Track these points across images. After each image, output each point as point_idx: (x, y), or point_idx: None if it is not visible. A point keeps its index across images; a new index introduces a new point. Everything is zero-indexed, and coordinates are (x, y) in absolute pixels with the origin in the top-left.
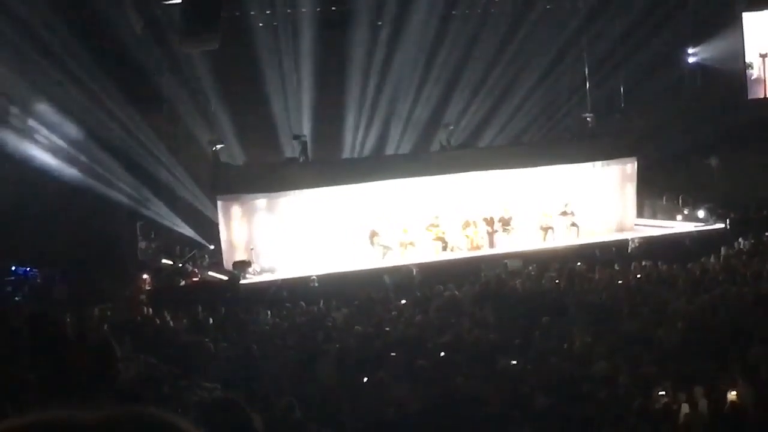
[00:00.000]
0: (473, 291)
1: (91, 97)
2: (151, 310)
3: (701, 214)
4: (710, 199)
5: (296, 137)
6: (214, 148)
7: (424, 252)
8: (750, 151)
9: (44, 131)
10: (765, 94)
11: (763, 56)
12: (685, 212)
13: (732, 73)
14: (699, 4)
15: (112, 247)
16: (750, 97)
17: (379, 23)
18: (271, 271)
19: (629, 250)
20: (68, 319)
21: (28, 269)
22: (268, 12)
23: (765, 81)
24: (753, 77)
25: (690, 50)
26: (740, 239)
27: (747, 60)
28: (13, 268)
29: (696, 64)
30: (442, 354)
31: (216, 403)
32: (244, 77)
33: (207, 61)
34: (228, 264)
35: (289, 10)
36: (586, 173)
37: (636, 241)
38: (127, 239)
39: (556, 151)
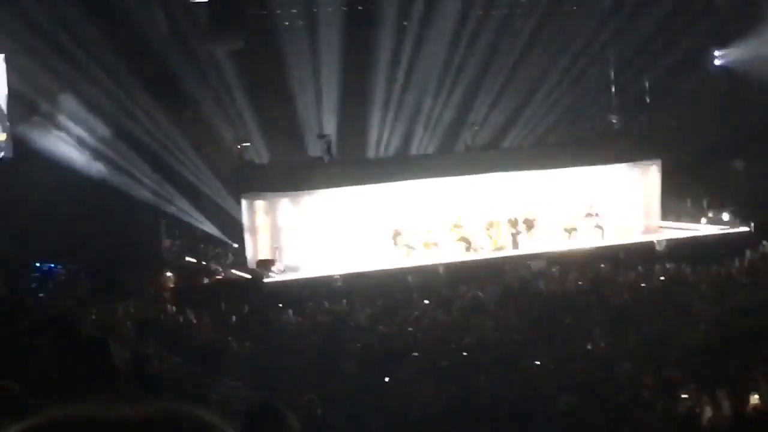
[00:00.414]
0: (496, 292)
1: (117, 95)
2: (174, 308)
3: (726, 217)
4: (735, 202)
5: (321, 136)
6: (239, 147)
7: (447, 252)
8: None
9: (71, 128)
10: None
11: None
12: (710, 215)
13: (759, 76)
14: (726, 6)
15: (136, 244)
16: None
17: (405, 23)
18: (295, 269)
19: (656, 251)
20: (92, 317)
21: (52, 265)
22: (293, 11)
23: None
24: None
25: (716, 52)
26: (765, 242)
27: None
28: (38, 264)
29: (722, 66)
30: (465, 354)
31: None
32: (269, 76)
33: (232, 59)
34: (252, 262)
35: (314, 9)
36: (611, 175)
37: (663, 242)
38: (152, 237)
39: (580, 152)
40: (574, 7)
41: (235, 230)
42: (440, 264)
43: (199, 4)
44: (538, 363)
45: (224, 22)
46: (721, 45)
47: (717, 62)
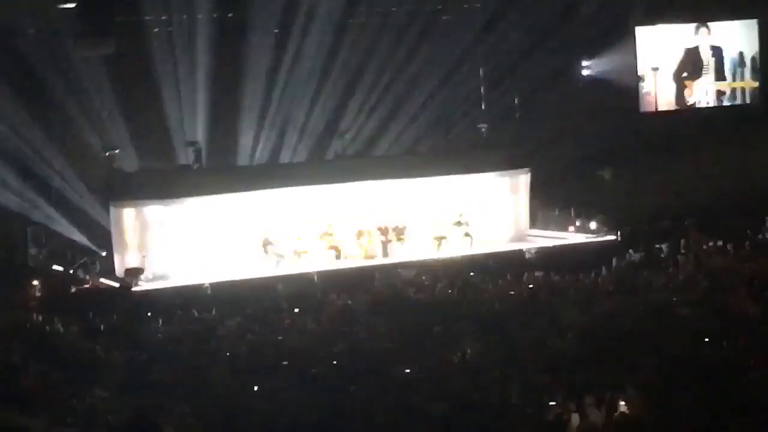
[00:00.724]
0: (367, 300)
1: None
2: (41, 316)
3: (593, 225)
4: (602, 210)
5: (190, 144)
6: (107, 154)
7: (317, 261)
8: (642, 163)
9: None
10: (656, 108)
11: (654, 70)
12: (578, 223)
13: (625, 87)
14: (593, 18)
15: (2, 252)
16: (642, 110)
17: (276, 30)
18: (164, 278)
19: (527, 259)
20: None
21: None
22: (164, 17)
23: (656, 95)
24: (644, 91)
25: (584, 63)
26: (631, 251)
27: (639, 73)
28: None
29: (590, 77)
30: (336, 363)
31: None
32: (139, 82)
33: (102, 65)
34: (120, 271)
35: (185, 16)
36: (481, 183)
37: (533, 251)
38: (17, 244)
39: (450, 161)
40: (445, 17)
41: (104, 238)
42: (314, 272)
43: (67, 9)
44: (409, 371)
45: (93, 27)
46: (588, 56)
47: (584, 73)
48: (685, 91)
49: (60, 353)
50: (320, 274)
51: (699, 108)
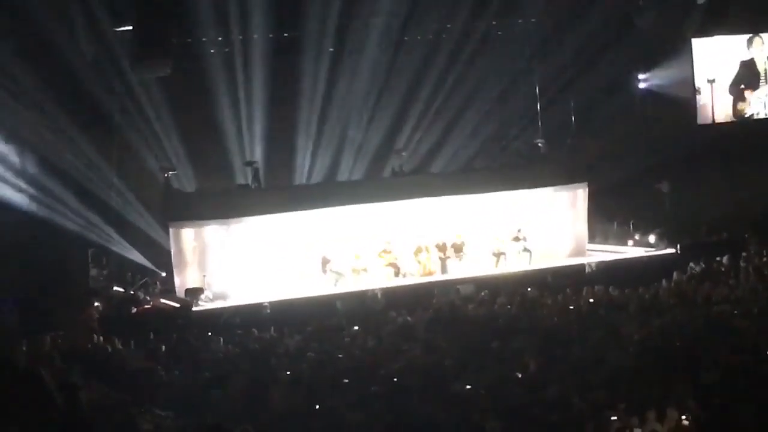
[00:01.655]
0: (426, 316)
1: (42, 123)
2: (102, 337)
3: (652, 239)
4: (661, 223)
5: (248, 163)
6: (165, 175)
7: (376, 278)
8: (700, 175)
9: None
10: (713, 119)
11: (710, 82)
12: (637, 237)
13: (682, 99)
14: (649, 30)
15: (63, 274)
16: (699, 122)
17: (331, 49)
18: (224, 297)
19: (586, 273)
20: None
21: None
22: (220, 38)
23: (713, 106)
24: (701, 103)
25: (641, 76)
26: (691, 264)
27: (696, 85)
28: None
29: (647, 90)
30: (395, 380)
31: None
32: (196, 103)
33: (159, 87)
34: (180, 291)
35: (240, 36)
36: (538, 198)
37: (593, 265)
38: (78, 266)
39: (507, 176)
40: (499, 32)
41: (163, 259)
42: (375, 289)
43: (124, 31)
44: (469, 387)
45: (150, 49)
46: (645, 69)
47: (641, 86)
48: (742, 103)
49: (121, 374)
50: (380, 291)
51: (757, 119)
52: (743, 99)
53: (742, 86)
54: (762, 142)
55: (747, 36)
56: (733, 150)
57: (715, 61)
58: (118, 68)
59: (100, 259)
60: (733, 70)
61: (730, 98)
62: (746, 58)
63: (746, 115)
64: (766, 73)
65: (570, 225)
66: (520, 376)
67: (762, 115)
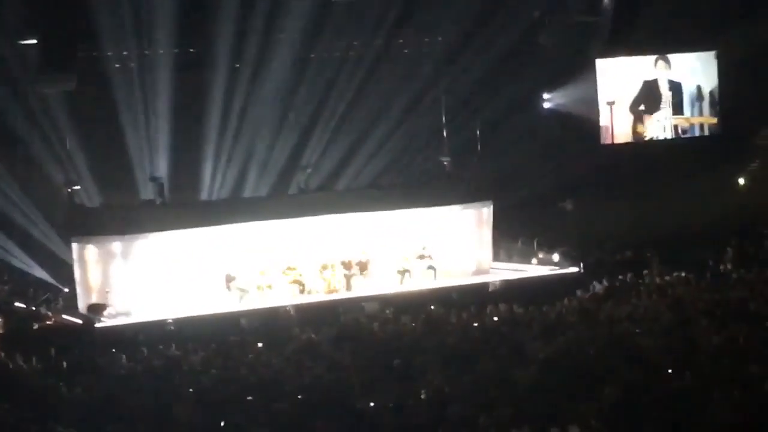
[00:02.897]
0: (331, 334)
1: None
2: (2, 353)
3: (556, 257)
4: (565, 242)
5: (153, 179)
6: (69, 190)
7: (281, 295)
8: (603, 194)
9: None
10: (612, 141)
11: (610, 104)
12: (541, 255)
13: (585, 119)
14: (554, 50)
15: None
16: (602, 142)
17: (237, 65)
18: (127, 314)
19: (490, 291)
20: None
21: None
22: (125, 53)
23: (612, 128)
24: (603, 123)
25: (545, 95)
26: (594, 282)
27: (599, 105)
28: None
29: (551, 109)
30: (300, 397)
31: None
32: (100, 118)
33: (63, 101)
34: (83, 307)
35: (146, 51)
36: (443, 216)
37: (497, 283)
38: None
39: (413, 194)
40: (405, 50)
41: (66, 274)
42: (279, 306)
43: (28, 44)
44: (373, 405)
45: (54, 62)
46: (550, 88)
47: (546, 105)
48: (641, 125)
49: (22, 391)
50: (293, 307)
51: (657, 140)
52: (642, 121)
53: (642, 107)
54: (663, 163)
55: (653, 57)
56: (636, 170)
57: (618, 81)
58: (22, 82)
59: (1, 274)
60: (635, 91)
61: (630, 119)
62: (650, 78)
63: (645, 138)
64: (667, 97)
65: (475, 243)
66: (424, 393)
67: (662, 138)
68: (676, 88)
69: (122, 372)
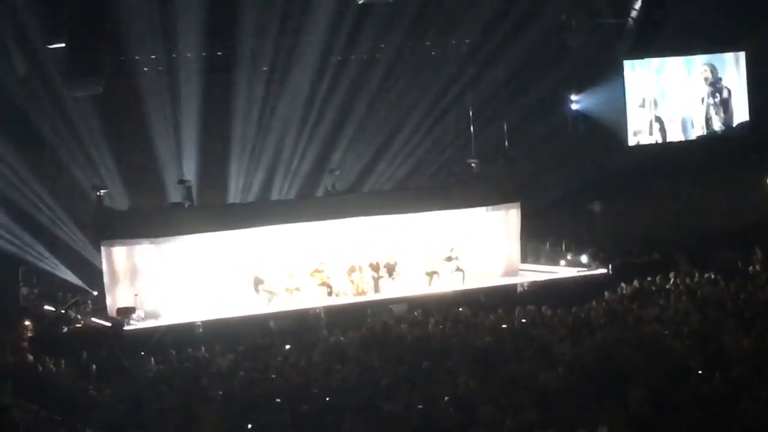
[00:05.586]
0: (358, 336)
1: None
2: (32, 356)
3: (584, 258)
4: (593, 243)
5: (181, 182)
6: (97, 193)
7: (309, 297)
8: (631, 196)
9: None
10: (640, 141)
11: (641, 105)
12: (569, 257)
13: (613, 120)
14: (582, 51)
15: None
16: (630, 143)
17: (264, 68)
18: (156, 316)
19: (518, 293)
20: None
21: None
22: (153, 56)
23: (643, 128)
24: (631, 124)
25: (573, 97)
26: (622, 284)
27: (627, 106)
28: None
29: (579, 111)
30: (328, 399)
31: None
32: (128, 121)
33: (91, 104)
34: (112, 310)
35: (174, 55)
36: (471, 218)
37: (525, 285)
38: (9, 285)
39: (440, 196)
40: (433, 52)
41: (95, 277)
42: (320, 308)
43: (57, 48)
44: (402, 407)
45: (83, 66)
46: (577, 90)
47: (573, 107)
48: (671, 125)
49: (52, 393)
50: (314, 310)
51: (685, 141)
52: (669, 122)
53: (669, 108)
54: (693, 163)
55: (681, 58)
56: (663, 171)
57: (646, 82)
58: (50, 86)
59: (30, 277)
60: (665, 92)
61: (661, 120)
62: (679, 78)
63: (677, 138)
64: (697, 97)
65: (503, 245)
66: (452, 395)
67: (692, 137)
68: (704, 88)
69: (151, 374)
